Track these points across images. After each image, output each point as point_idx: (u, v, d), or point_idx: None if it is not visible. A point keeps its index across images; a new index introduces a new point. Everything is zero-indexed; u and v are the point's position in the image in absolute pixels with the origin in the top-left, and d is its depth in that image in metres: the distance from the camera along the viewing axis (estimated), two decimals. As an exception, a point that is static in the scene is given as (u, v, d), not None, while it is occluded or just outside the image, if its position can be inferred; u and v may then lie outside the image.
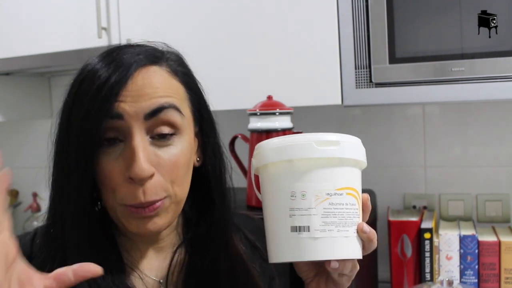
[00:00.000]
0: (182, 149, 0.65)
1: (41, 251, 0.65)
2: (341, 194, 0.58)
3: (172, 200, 0.65)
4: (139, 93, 0.62)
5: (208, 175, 0.71)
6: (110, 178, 0.62)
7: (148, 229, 0.64)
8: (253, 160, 0.64)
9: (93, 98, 0.61)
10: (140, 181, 0.61)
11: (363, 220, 0.61)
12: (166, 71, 0.66)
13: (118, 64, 0.63)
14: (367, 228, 0.60)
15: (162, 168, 0.63)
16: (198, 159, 0.71)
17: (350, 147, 0.60)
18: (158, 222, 0.64)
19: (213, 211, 0.71)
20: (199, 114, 0.70)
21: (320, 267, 0.65)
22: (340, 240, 0.57)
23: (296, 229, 0.57)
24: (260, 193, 0.64)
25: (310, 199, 0.57)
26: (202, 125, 0.71)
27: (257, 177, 0.65)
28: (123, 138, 0.62)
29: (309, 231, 0.57)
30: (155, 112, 0.62)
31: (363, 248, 0.61)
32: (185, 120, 0.66)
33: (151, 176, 0.62)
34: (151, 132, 0.63)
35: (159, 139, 0.63)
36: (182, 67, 0.69)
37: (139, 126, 0.62)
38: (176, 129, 0.64)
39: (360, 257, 0.60)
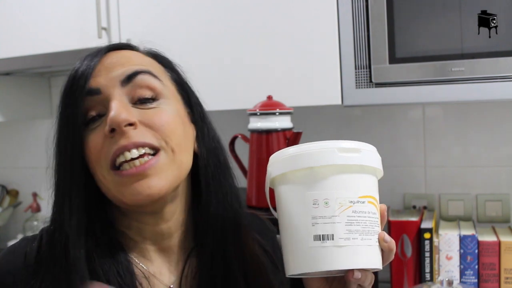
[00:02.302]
0: (171, 111, 0.64)
1: (47, 254, 0.63)
2: (363, 202, 0.57)
3: (169, 157, 0.61)
4: (114, 65, 0.64)
5: (201, 165, 0.69)
6: (93, 148, 0.61)
7: (145, 193, 0.59)
8: (269, 169, 0.61)
9: (71, 79, 0.63)
10: (118, 127, 0.59)
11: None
12: (142, 52, 0.69)
13: (93, 51, 0.66)
14: (388, 237, 0.58)
15: (149, 123, 0.61)
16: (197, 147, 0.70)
17: (370, 154, 0.59)
18: (156, 183, 0.60)
19: (209, 207, 0.68)
20: (186, 94, 0.70)
21: (333, 282, 0.62)
22: (364, 249, 0.56)
23: (320, 237, 0.55)
24: (273, 206, 0.62)
25: (333, 206, 0.56)
26: (192, 109, 0.70)
27: (271, 192, 0.63)
28: (105, 111, 0.62)
29: (333, 239, 0.55)
30: (130, 77, 0.63)
31: (382, 258, 0.59)
32: (166, 88, 0.66)
33: (133, 125, 0.60)
34: (133, 99, 0.63)
35: (141, 103, 0.63)
36: (161, 55, 0.71)
37: (117, 92, 0.62)
38: (157, 94, 0.64)
39: (381, 267, 0.59)
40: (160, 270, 0.68)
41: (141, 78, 0.63)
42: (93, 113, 0.62)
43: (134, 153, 0.59)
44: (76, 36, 1.51)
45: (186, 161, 0.65)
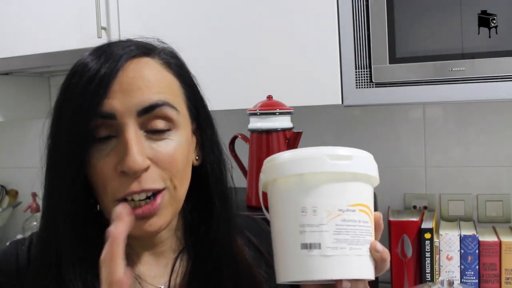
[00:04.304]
0: (179, 143, 0.62)
1: (37, 259, 0.63)
2: (353, 211, 0.55)
3: (171, 195, 0.62)
4: (130, 87, 0.59)
5: (206, 174, 0.68)
6: (101, 175, 0.59)
7: (146, 230, 0.61)
8: (261, 175, 0.60)
9: (82, 92, 0.59)
10: (134, 174, 0.58)
11: (375, 239, 0.58)
12: (159, 63, 0.64)
13: (108, 56, 0.60)
14: (380, 247, 0.57)
15: (160, 162, 0.60)
16: (197, 157, 0.69)
17: (363, 162, 0.57)
18: (157, 222, 0.61)
19: (213, 213, 0.68)
20: (195, 109, 0.68)
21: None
22: (353, 259, 0.55)
23: (307, 246, 0.54)
24: (267, 210, 0.61)
25: (321, 215, 0.54)
26: (199, 121, 0.68)
27: (264, 195, 0.62)
28: (116, 134, 0.60)
29: (320, 248, 0.54)
30: (148, 109, 0.60)
31: (376, 268, 0.57)
32: (181, 116, 0.63)
33: (146, 169, 0.59)
34: (146, 127, 0.60)
35: (154, 133, 0.61)
36: (175, 59, 0.67)
37: (132, 122, 0.59)
38: (171, 124, 0.62)
39: (373, 277, 0.57)
40: (151, 272, 0.68)
41: (158, 110, 0.60)
42: (102, 133, 0.60)
43: (142, 195, 0.60)
44: (75, 36, 1.51)
45: (184, 192, 0.65)
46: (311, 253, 0.54)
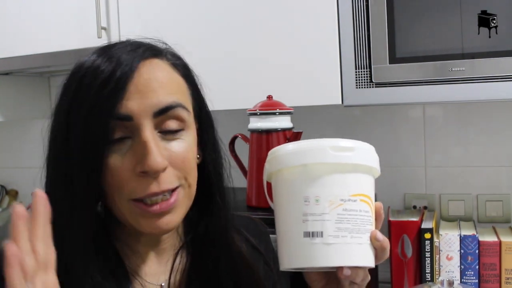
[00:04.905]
0: (190, 143, 0.64)
1: None
2: (354, 201, 0.57)
3: (185, 192, 0.64)
4: (146, 88, 0.60)
5: (208, 172, 0.70)
6: (117, 176, 0.60)
7: (160, 227, 0.62)
8: (266, 165, 0.63)
9: (97, 94, 0.59)
10: (154, 174, 0.59)
11: (375, 229, 0.60)
12: (168, 64, 0.65)
13: (119, 59, 0.61)
14: (380, 236, 0.59)
15: (174, 162, 0.62)
16: (198, 156, 0.69)
17: (365, 154, 0.60)
18: (171, 219, 0.62)
19: (213, 210, 0.70)
20: (199, 109, 0.69)
21: (331, 276, 0.64)
22: (353, 247, 0.57)
23: (309, 234, 0.56)
24: (271, 200, 0.63)
25: (323, 204, 0.56)
26: (201, 120, 0.70)
27: (269, 185, 0.64)
28: (131, 135, 0.61)
29: (322, 236, 0.56)
30: (164, 111, 0.61)
31: (376, 256, 0.60)
32: (190, 116, 0.65)
33: (164, 169, 0.60)
34: (160, 127, 0.62)
35: (167, 133, 0.62)
36: (180, 60, 0.69)
37: (148, 123, 0.60)
38: (184, 124, 0.64)
39: (373, 265, 0.59)
40: (151, 270, 0.69)
41: (173, 111, 0.62)
42: (118, 134, 0.60)
43: (159, 196, 0.61)
44: (75, 36, 1.51)
45: (195, 189, 0.66)
46: (313, 241, 0.56)
